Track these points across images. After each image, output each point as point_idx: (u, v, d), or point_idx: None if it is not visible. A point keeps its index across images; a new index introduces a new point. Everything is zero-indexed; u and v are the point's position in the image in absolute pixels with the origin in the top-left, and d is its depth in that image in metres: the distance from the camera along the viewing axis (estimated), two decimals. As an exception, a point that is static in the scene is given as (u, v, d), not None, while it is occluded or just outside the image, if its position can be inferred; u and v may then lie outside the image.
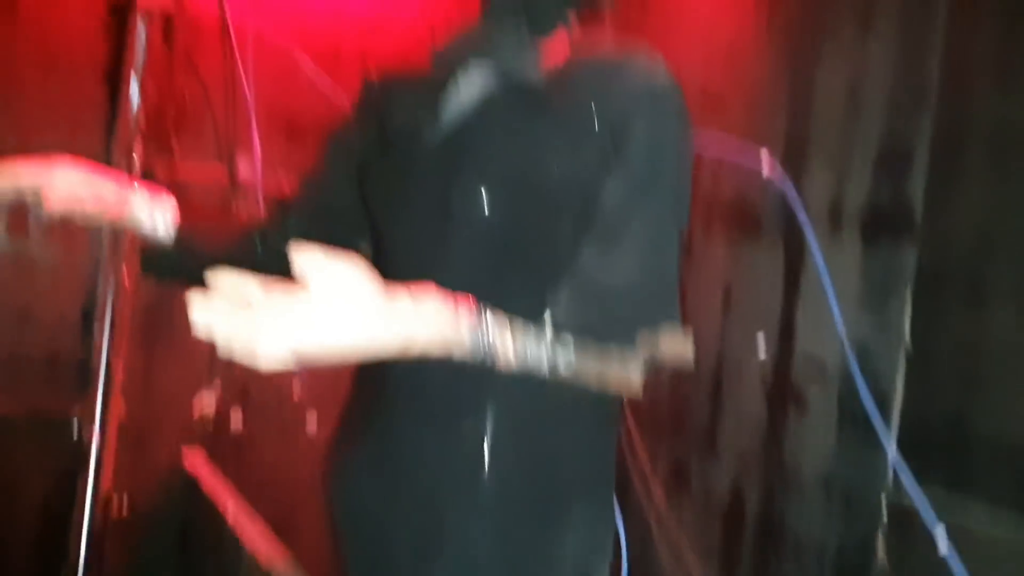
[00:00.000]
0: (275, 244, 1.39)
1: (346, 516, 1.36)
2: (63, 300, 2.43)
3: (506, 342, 1.10)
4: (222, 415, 2.59)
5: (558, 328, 1.13)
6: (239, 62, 2.54)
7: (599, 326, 1.17)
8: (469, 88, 1.32)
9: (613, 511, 1.34)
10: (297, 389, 2.63)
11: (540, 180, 1.25)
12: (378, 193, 1.39)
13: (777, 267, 1.82)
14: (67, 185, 1.31)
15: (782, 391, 1.81)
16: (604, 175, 1.20)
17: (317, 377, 2.55)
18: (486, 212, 1.25)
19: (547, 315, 1.14)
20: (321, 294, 0.97)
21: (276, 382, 2.61)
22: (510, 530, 1.23)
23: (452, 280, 1.19)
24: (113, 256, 2.44)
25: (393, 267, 1.28)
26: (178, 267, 1.42)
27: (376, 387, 1.28)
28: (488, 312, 1.09)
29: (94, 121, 2.44)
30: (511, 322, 1.10)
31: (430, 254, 1.29)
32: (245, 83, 2.53)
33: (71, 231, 2.39)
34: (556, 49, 1.30)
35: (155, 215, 1.38)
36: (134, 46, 2.42)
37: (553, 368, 1.13)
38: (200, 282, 1.32)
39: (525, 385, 1.17)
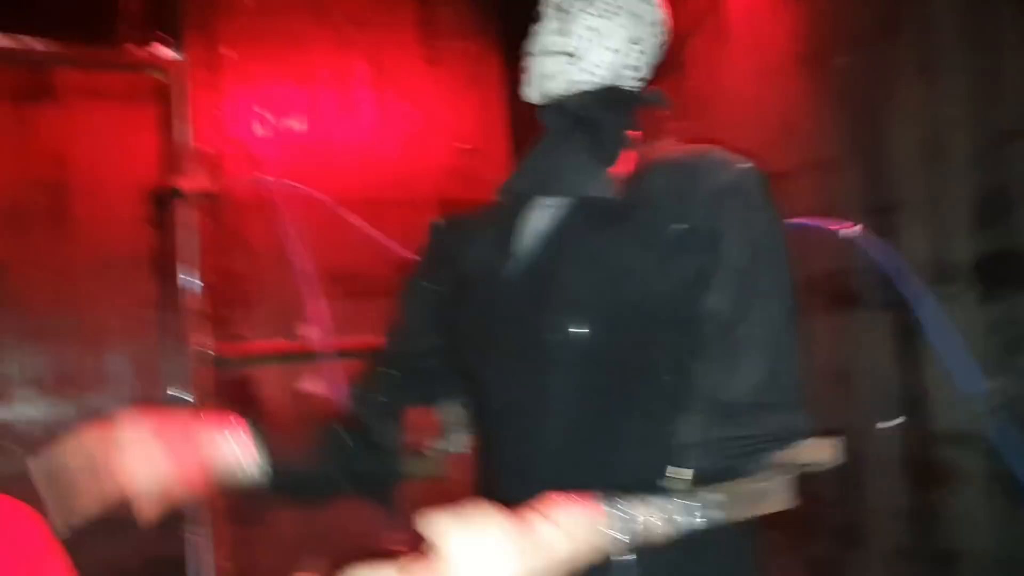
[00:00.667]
0: (372, 402, 1.38)
1: None
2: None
3: (650, 519, 1.02)
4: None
5: (698, 466, 1.07)
6: (287, 230, 2.55)
7: (735, 451, 1.10)
8: (542, 216, 1.28)
9: None
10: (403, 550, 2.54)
11: (630, 300, 1.19)
12: (466, 335, 1.34)
13: (887, 336, 1.73)
14: (138, 462, 1.14)
15: (923, 469, 1.69)
16: (700, 282, 1.14)
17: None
18: (578, 343, 1.19)
19: (676, 470, 1.07)
20: (461, 562, 0.93)
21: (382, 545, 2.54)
22: None
23: (555, 417, 1.19)
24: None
25: (493, 410, 1.28)
26: (282, 484, 1.33)
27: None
28: (618, 500, 1.02)
29: (152, 312, 2.46)
30: (644, 497, 1.04)
31: (529, 392, 1.23)
32: (297, 251, 2.54)
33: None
34: (624, 159, 1.25)
35: (241, 458, 1.23)
36: (183, 231, 2.46)
37: (704, 519, 1.04)
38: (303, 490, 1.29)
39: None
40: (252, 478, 1.25)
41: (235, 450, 1.24)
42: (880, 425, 1.73)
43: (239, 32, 2.63)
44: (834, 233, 1.78)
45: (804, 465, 1.10)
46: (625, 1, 1.29)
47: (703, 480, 1.06)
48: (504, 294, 1.30)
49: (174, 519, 2.40)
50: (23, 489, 1.28)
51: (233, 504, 2.45)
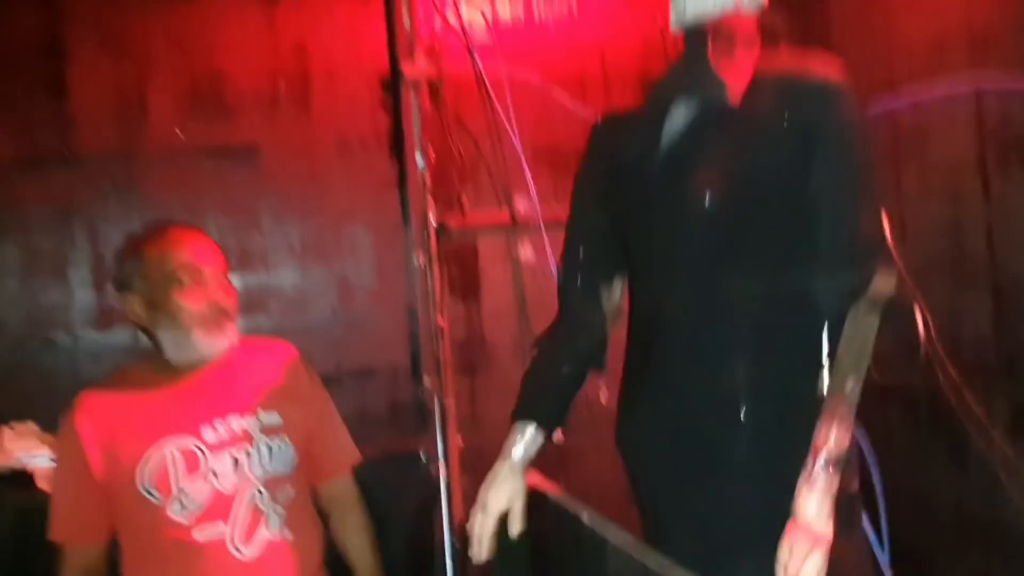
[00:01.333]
0: (575, 290, 1.83)
1: (641, 457, 1.75)
2: (394, 353, 2.73)
3: (840, 430, 1.47)
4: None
5: (852, 281, 1.51)
6: (500, 110, 2.76)
7: (862, 259, 1.53)
8: (679, 118, 1.68)
9: None
10: (604, 396, 2.78)
11: (746, 179, 1.60)
12: (628, 218, 1.75)
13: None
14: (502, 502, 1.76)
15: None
16: (810, 164, 1.55)
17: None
18: (713, 208, 1.61)
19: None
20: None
21: (585, 395, 2.79)
22: (765, 455, 1.56)
23: (699, 258, 1.63)
24: (426, 306, 2.72)
25: (647, 264, 1.74)
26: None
27: (651, 366, 1.69)
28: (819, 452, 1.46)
29: (387, 187, 2.74)
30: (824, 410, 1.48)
31: (674, 257, 1.67)
32: (510, 128, 2.74)
33: (385, 294, 2.71)
34: (745, 71, 1.63)
35: (532, 439, 1.77)
36: (410, 115, 2.70)
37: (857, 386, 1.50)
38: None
39: (766, 352, 1.59)
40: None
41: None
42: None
43: (452, -81, 2.81)
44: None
45: (886, 296, 1.52)
46: None
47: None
48: (654, 181, 1.69)
49: (412, 372, 2.75)
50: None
51: (462, 357, 2.77)
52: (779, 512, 1.48)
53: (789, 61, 1.65)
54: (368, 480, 2.65)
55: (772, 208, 1.59)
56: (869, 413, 2.35)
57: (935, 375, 2.10)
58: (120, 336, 2.48)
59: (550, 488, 1.96)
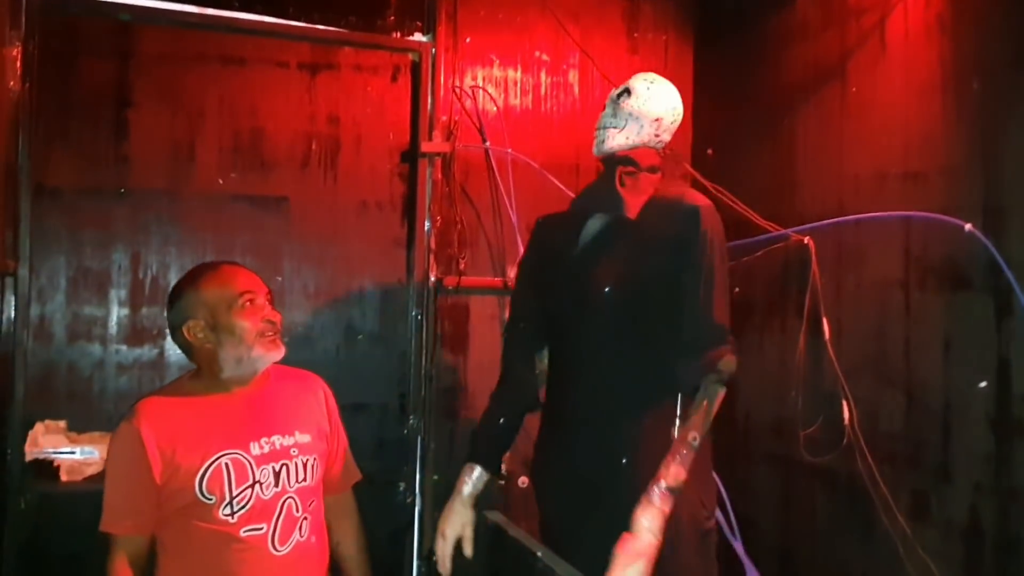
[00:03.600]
0: (520, 340, 2.34)
1: (545, 491, 2.24)
2: (386, 393, 3.01)
3: (677, 466, 1.90)
4: (512, 478, 3.08)
5: (690, 380, 2.01)
6: (502, 188, 3.10)
7: (712, 342, 2.01)
8: (593, 225, 2.20)
9: (711, 476, 2.19)
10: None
11: (636, 275, 2.08)
12: (548, 296, 2.26)
13: (988, 315, 2.09)
14: (457, 528, 2.22)
15: (1006, 424, 2.05)
16: (679, 266, 2.04)
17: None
18: (608, 297, 2.09)
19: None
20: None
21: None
22: (640, 491, 1.89)
23: (595, 334, 2.11)
24: (419, 354, 3.03)
25: (559, 336, 2.23)
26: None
27: (561, 420, 2.19)
28: (660, 480, 1.88)
29: (397, 246, 3.05)
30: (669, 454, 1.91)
31: (579, 328, 2.14)
32: (509, 204, 3.09)
33: (384, 340, 3.00)
34: (645, 192, 2.15)
35: (478, 478, 2.24)
36: (423, 184, 3.04)
37: (697, 441, 1.94)
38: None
39: (644, 408, 2.07)
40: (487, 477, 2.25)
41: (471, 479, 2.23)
42: (980, 385, 2.11)
43: (477, 22, 3.13)
44: (954, 226, 2.15)
45: (728, 372, 1.99)
46: (652, 96, 2.19)
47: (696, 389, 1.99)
48: (567, 267, 2.19)
49: (400, 410, 3.03)
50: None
51: (446, 402, 3.06)
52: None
53: (676, 187, 2.18)
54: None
55: (652, 299, 2.06)
56: (796, 485, 2.68)
57: (855, 458, 2.40)
58: (148, 353, 2.73)
59: (512, 527, 2.27)
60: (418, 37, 3.07)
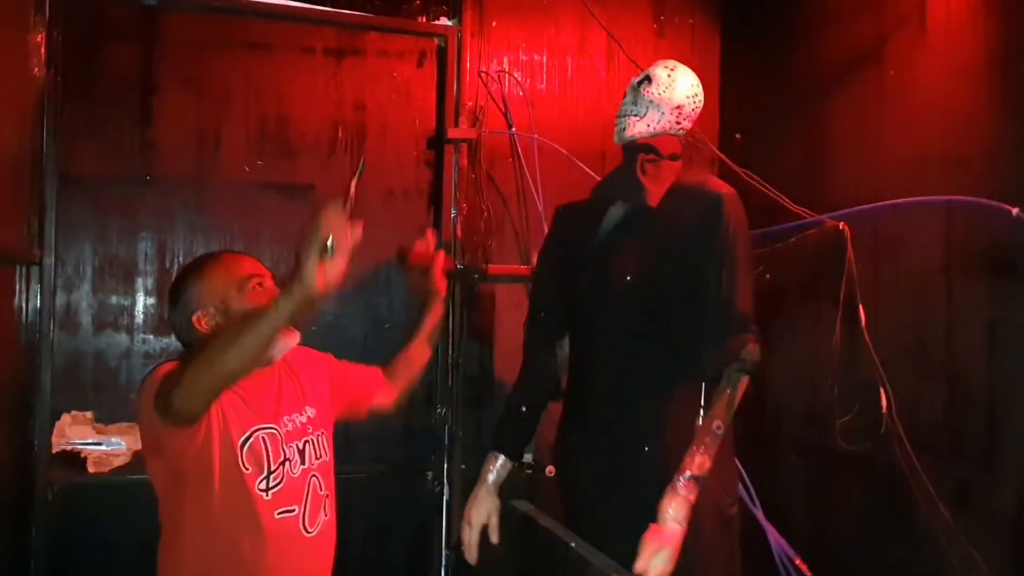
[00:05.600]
0: (537, 340, 2.37)
1: (567, 474, 2.25)
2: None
3: (702, 456, 1.91)
4: (539, 467, 3.06)
5: (713, 378, 2.00)
6: (528, 174, 3.07)
7: (735, 331, 2.00)
8: (614, 213, 2.20)
9: (734, 463, 2.22)
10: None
11: (658, 263, 2.08)
12: (570, 286, 2.25)
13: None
14: (483, 516, 2.25)
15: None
16: (702, 254, 2.03)
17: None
18: (630, 286, 2.09)
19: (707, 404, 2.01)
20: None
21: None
22: (663, 478, 1.90)
23: (617, 323, 2.11)
24: (445, 343, 3.00)
25: (581, 332, 2.23)
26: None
27: (581, 401, 2.19)
28: (684, 470, 1.89)
29: (422, 233, 2.99)
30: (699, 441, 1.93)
31: (600, 316, 2.15)
32: (535, 191, 3.06)
33: (410, 328, 2.96)
34: (666, 180, 2.14)
35: (503, 467, 2.29)
36: (449, 172, 3.01)
37: (720, 430, 1.94)
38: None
39: (668, 394, 2.05)
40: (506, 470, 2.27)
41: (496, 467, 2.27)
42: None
43: (503, 5, 3.10)
44: (1000, 211, 2.11)
45: (752, 361, 1.98)
46: (672, 83, 2.18)
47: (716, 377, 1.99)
48: (588, 257, 2.20)
49: (428, 400, 3.01)
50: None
51: (472, 391, 3.04)
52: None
53: (697, 175, 2.17)
54: (378, 492, 2.93)
55: (674, 288, 2.05)
56: (830, 474, 2.65)
57: (892, 447, 2.37)
58: (175, 342, 2.70)
59: (542, 516, 2.26)
60: (444, 22, 3.04)
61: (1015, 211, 2.07)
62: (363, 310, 2.94)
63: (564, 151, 3.09)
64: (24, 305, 2.53)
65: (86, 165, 2.64)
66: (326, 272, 1.50)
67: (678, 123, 2.19)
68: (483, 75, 3.07)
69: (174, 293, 1.96)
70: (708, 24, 3.35)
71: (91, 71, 2.65)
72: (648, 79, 2.19)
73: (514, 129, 3.07)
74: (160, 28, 2.72)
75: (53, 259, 2.59)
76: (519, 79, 3.11)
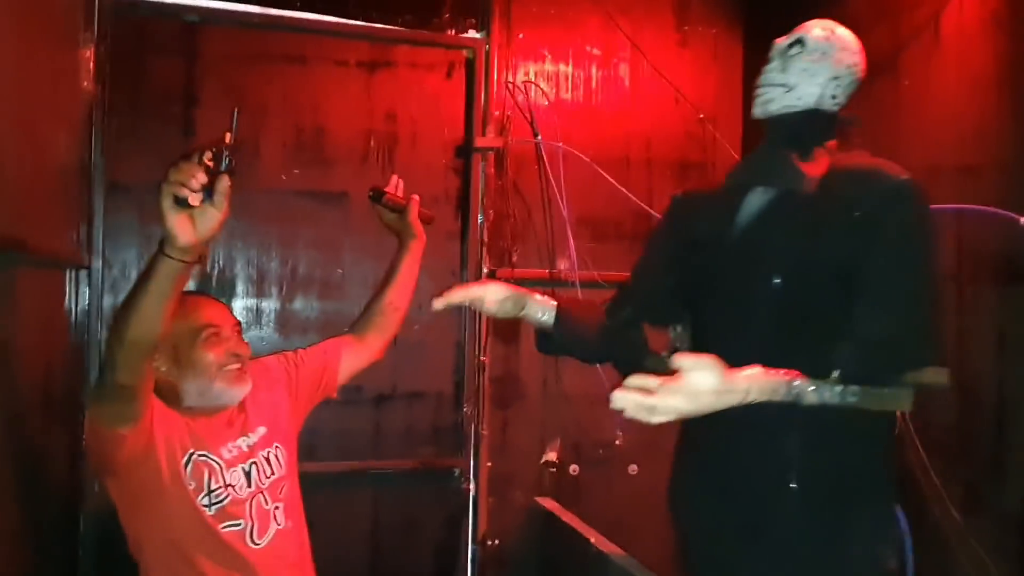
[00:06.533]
0: (618, 318, 2.01)
1: (688, 518, 1.85)
2: (441, 381, 3.09)
3: (808, 392, 1.56)
4: (562, 466, 3.16)
5: (845, 380, 1.58)
6: (553, 182, 3.16)
7: (875, 373, 1.60)
8: (755, 201, 1.80)
9: (895, 509, 1.79)
10: (619, 439, 3.17)
11: (812, 264, 1.68)
12: (695, 283, 1.88)
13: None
14: (495, 294, 1.95)
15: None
16: (862, 255, 1.62)
17: (635, 431, 3.07)
18: (775, 291, 1.70)
19: (835, 372, 1.58)
20: (692, 383, 1.47)
21: (600, 437, 3.18)
22: (813, 522, 1.65)
23: (756, 340, 1.69)
24: (472, 344, 3.10)
25: (712, 335, 1.82)
26: (561, 342, 2.00)
27: (705, 428, 1.61)
28: (796, 377, 1.55)
29: (451, 239, 3.12)
30: (811, 380, 1.56)
31: (738, 324, 1.75)
32: (560, 198, 3.15)
33: (439, 330, 3.07)
34: (819, 163, 1.75)
35: (544, 310, 1.96)
36: (477, 179, 3.11)
37: (843, 405, 1.58)
38: (575, 350, 1.95)
39: (821, 417, 1.60)
40: (546, 322, 1.95)
41: (542, 304, 1.96)
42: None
43: (530, 17, 3.19)
44: (1009, 219, 2.17)
45: (923, 384, 1.62)
46: (830, 49, 1.78)
47: (848, 380, 1.59)
48: (726, 254, 1.81)
49: (455, 399, 3.12)
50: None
51: (498, 391, 3.14)
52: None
53: (865, 157, 1.76)
54: (408, 488, 3.04)
55: (833, 292, 1.65)
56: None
57: (903, 449, 2.38)
58: None
59: (565, 514, 2.33)
60: (472, 34, 3.13)
61: (1022, 220, 2.13)
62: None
63: (588, 159, 3.17)
64: (74, 307, 2.65)
65: (132, 174, 2.76)
66: (196, 223, 1.51)
67: (833, 96, 1.78)
68: (510, 85, 3.16)
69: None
70: (731, 33, 3.42)
71: (136, 84, 2.78)
72: (800, 42, 1.79)
73: (539, 137, 3.16)
74: (201, 43, 2.84)
75: (101, 263, 2.72)
76: (545, 89, 3.20)
